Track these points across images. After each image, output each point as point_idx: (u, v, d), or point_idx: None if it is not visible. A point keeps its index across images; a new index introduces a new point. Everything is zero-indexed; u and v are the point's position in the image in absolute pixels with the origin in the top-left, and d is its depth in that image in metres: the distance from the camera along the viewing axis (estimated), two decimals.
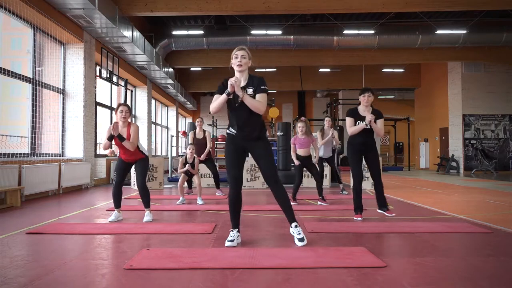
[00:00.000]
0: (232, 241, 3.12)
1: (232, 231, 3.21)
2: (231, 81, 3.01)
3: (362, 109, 4.40)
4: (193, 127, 9.91)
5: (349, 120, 4.41)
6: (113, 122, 4.45)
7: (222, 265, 2.56)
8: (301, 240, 3.13)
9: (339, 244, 3.17)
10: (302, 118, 6.02)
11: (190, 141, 6.73)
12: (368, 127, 4.29)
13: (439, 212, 5.02)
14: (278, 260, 2.67)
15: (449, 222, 4.25)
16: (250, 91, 3.14)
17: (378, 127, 4.33)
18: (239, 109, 3.11)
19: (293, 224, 3.23)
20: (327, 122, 7.03)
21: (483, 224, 4.07)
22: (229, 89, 3.01)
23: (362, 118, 4.35)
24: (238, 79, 3.08)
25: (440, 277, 2.37)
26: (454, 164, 15.61)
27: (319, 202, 5.68)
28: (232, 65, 3.20)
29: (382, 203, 4.52)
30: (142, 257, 2.73)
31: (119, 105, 4.39)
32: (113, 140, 4.19)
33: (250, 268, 2.51)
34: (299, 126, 5.76)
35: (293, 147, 5.77)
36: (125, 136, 4.23)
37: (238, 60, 3.15)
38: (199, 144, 6.65)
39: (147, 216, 4.36)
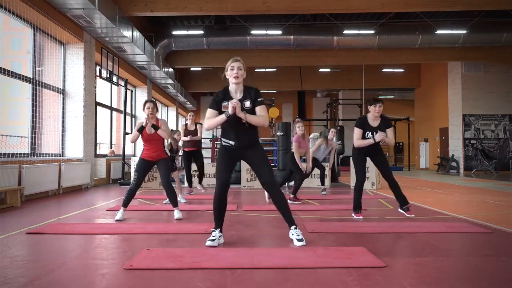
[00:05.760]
0: (213, 240, 3.09)
1: (214, 230, 3.18)
2: (232, 103, 2.99)
3: (372, 119, 4.33)
4: None
5: (357, 131, 4.33)
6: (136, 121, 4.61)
7: (222, 265, 2.56)
8: (300, 240, 3.12)
9: (339, 244, 3.17)
10: (298, 118, 6.09)
11: (182, 134, 6.54)
12: (376, 141, 4.25)
13: (439, 212, 5.02)
14: (278, 260, 2.67)
15: (449, 222, 4.25)
16: (247, 103, 3.13)
17: (388, 140, 4.28)
18: (237, 123, 3.09)
19: (293, 227, 3.22)
20: (332, 133, 7.43)
21: (483, 224, 4.07)
22: (229, 111, 3.00)
23: (371, 129, 4.30)
24: (239, 102, 3.05)
25: (440, 277, 2.37)
26: (454, 164, 15.61)
27: (291, 196, 5.73)
28: (228, 77, 3.15)
29: (402, 201, 4.33)
30: (142, 257, 2.73)
31: (146, 102, 4.45)
32: (142, 134, 4.32)
33: (250, 268, 2.51)
34: (299, 127, 5.78)
35: (296, 146, 5.78)
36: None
37: (234, 72, 3.09)
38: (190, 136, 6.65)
39: (177, 213, 4.42)
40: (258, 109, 3.14)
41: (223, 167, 3.20)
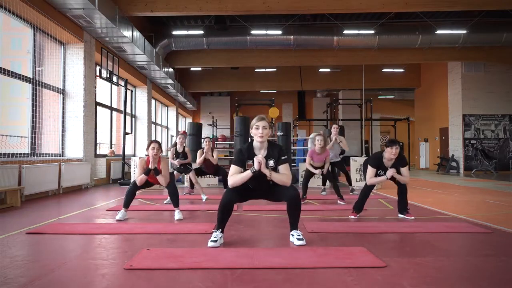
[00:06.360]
0: (215, 241, 3.08)
1: (216, 231, 3.17)
2: (258, 159, 3.04)
3: (387, 159, 4.29)
4: (193, 127, 9.89)
5: (371, 170, 4.32)
6: (140, 158, 4.73)
7: (222, 265, 2.56)
8: (300, 239, 3.14)
9: (339, 244, 3.17)
10: (321, 132, 6.09)
11: (198, 158, 6.26)
12: (388, 178, 4.28)
13: (439, 212, 5.02)
14: (278, 260, 2.67)
15: (449, 222, 4.25)
16: (271, 162, 3.16)
17: (402, 177, 4.30)
18: (262, 178, 3.13)
19: (294, 230, 3.25)
20: (334, 129, 7.10)
21: (483, 224, 4.07)
22: (255, 167, 3.05)
23: (385, 169, 4.31)
24: (264, 158, 3.10)
25: (440, 277, 2.37)
26: (454, 164, 15.61)
27: (338, 202, 5.78)
28: (253, 135, 3.18)
29: (404, 207, 4.54)
30: (142, 257, 2.73)
31: (151, 142, 4.55)
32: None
33: (250, 268, 2.51)
34: (318, 140, 5.69)
35: (309, 160, 5.80)
36: None
37: (259, 131, 3.13)
38: (208, 163, 6.36)
39: (178, 214, 4.48)
40: (281, 167, 3.17)
41: (235, 192, 3.19)
